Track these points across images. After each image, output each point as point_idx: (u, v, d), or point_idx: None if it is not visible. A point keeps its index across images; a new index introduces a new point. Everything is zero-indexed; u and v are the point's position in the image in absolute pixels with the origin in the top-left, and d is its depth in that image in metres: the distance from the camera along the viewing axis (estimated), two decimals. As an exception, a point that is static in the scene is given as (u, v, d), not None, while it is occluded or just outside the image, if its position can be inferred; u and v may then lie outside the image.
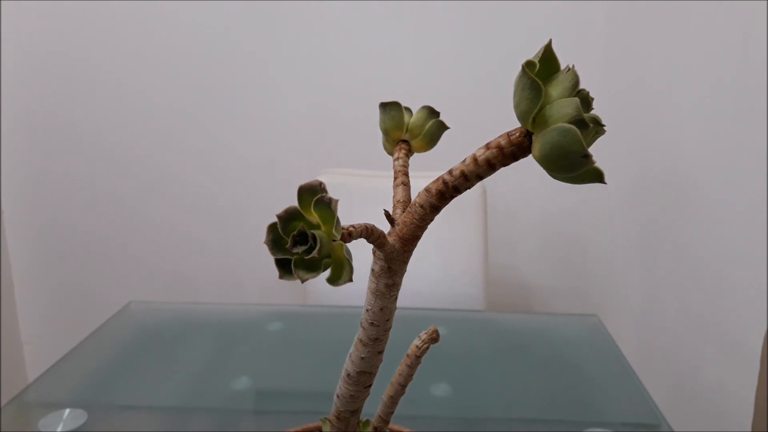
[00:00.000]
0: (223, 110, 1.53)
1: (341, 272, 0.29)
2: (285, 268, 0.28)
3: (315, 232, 0.27)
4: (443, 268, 1.15)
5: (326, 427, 0.44)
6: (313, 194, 0.28)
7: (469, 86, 1.48)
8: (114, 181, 1.58)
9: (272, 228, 0.28)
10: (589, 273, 1.57)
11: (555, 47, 0.27)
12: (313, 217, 0.28)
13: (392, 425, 0.48)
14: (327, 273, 0.29)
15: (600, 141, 0.28)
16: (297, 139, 1.54)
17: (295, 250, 0.27)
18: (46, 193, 1.60)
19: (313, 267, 0.28)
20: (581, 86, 0.27)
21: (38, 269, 1.64)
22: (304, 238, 0.27)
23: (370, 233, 0.30)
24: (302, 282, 0.28)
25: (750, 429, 0.68)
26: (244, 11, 1.46)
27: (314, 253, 0.26)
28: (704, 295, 1.02)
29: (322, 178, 1.26)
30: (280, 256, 0.28)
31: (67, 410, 0.70)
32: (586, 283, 1.58)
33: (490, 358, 0.86)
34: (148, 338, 0.93)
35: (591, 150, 0.25)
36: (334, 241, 0.28)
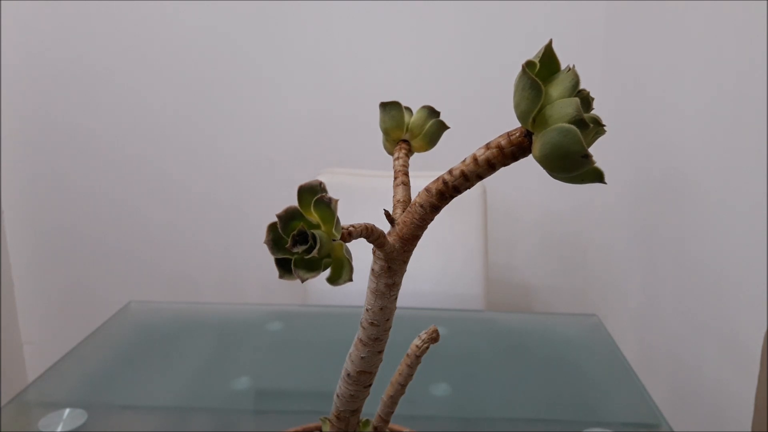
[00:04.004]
0: (222, 111, 1.53)
1: (341, 272, 0.29)
2: (285, 267, 0.28)
3: (315, 231, 0.27)
4: (443, 268, 1.15)
5: (326, 427, 0.44)
6: (313, 194, 0.28)
7: (468, 86, 1.48)
8: (114, 182, 1.58)
9: (272, 228, 0.28)
10: (589, 273, 1.57)
11: (555, 48, 0.28)
12: (313, 216, 0.28)
13: (392, 425, 0.48)
14: (327, 273, 0.29)
15: (600, 141, 0.28)
16: (296, 139, 1.54)
17: (295, 250, 0.27)
18: (46, 194, 1.60)
19: (313, 266, 0.28)
20: (581, 86, 0.27)
21: (38, 269, 1.64)
22: (304, 237, 0.27)
23: (370, 233, 0.30)
24: (302, 282, 0.28)
25: (750, 429, 0.68)
26: (243, 12, 1.46)
27: (314, 253, 0.26)
28: (704, 295, 1.02)
29: (322, 178, 1.25)
30: (280, 256, 0.28)
31: (67, 410, 0.70)
32: (586, 283, 1.58)
33: (490, 358, 0.86)
34: (148, 338, 0.93)
35: (591, 150, 0.25)
36: (333, 240, 0.28)
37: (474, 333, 0.95)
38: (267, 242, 0.28)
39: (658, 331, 1.20)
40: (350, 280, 0.29)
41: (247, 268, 1.61)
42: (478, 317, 1.05)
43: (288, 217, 0.28)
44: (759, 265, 0.86)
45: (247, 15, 1.47)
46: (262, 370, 0.83)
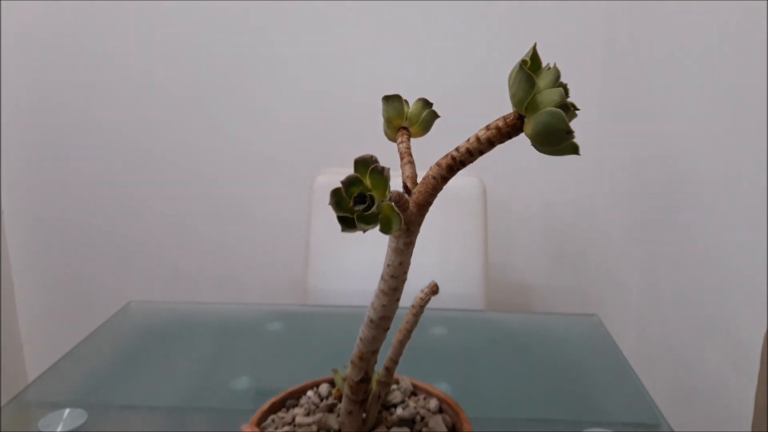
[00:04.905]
0: (223, 110, 1.53)
1: (391, 224, 0.36)
2: (345, 223, 0.35)
3: (371, 193, 0.35)
4: (443, 268, 1.15)
5: (339, 377, 0.52)
6: (366, 165, 0.36)
7: (468, 86, 1.48)
8: (114, 181, 1.58)
9: (336, 192, 0.35)
10: (589, 272, 1.57)
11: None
12: (368, 182, 0.36)
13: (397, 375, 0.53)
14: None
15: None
16: (296, 139, 1.54)
17: (356, 208, 0.35)
18: (46, 193, 1.60)
19: (370, 220, 0.35)
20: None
21: (38, 269, 1.64)
22: (362, 198, 0.35)
23: (400, 198, 0.36)
24: (364, 232, 0.35)
25: (750, 429, 0.68)
26: (243, 12, 1.47)
27: (373, 209, 0.34)
28: (704, 294, 1.02)
29: (321, 177, 1.25)
30: (341, 214, 0.35)
31: (67, 410, 0.70)
32: (586, 283, 1.57)
33: (490, 358, 0.86)
34: (148, 338, 0.93)
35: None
36: (383, 201, 0.35)
37: (474, 333, 0.95)
38: (331, 204, 0.35)
39: (658, 331, 1.20)
40: (400, 230, 0.36)
41: (247, 268, 1.61)
42: (478, 317, 1.05)
43: (349, 183, 0.35)
44: (759, 265, 0.86)
45: (246, 15, 1.47)
46: (262, 370, 0.83)
